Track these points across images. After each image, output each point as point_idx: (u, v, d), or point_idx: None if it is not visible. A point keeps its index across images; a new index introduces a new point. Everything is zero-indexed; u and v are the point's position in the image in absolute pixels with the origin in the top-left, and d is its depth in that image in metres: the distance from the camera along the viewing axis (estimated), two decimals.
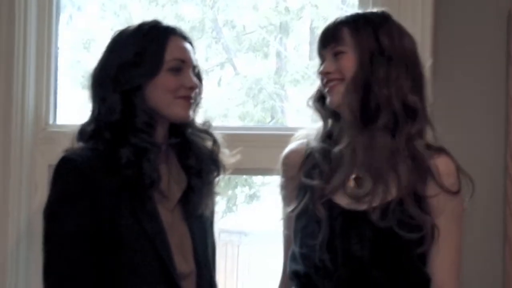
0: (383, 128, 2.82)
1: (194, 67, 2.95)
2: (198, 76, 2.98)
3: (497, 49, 3.54)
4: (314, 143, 2.95)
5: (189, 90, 2.91)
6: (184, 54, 2.94)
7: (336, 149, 2.87)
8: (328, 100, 2.89)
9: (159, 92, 2.89)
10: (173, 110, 2.91)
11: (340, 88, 2.85)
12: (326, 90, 2.89)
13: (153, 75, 2.88)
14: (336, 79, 2.87)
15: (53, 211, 2.89)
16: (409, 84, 2.86)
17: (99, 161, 2.84)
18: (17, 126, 3.68)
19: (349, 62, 2.87)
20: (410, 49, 2.92)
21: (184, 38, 2.97)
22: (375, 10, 3.02)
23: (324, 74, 2.88)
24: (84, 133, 2.93)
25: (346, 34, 2.89)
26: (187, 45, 2.97)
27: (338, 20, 2.94)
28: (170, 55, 2.90)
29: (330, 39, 2.92)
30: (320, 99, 2.95)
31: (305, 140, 2.98)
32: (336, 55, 2.90)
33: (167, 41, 2.93)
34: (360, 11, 3.07)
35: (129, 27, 2.97)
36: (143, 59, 2.91)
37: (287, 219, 2.99)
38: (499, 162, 3.53)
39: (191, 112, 2.95)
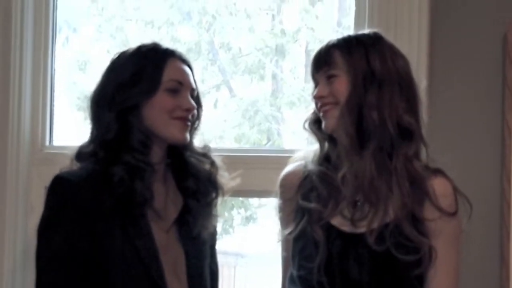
0: (379, 150, 2.83)
1: (192, 90, 2.95)
2: (197, 100, 2.99)
3: (493, 71, 3.55)
4: (311, 166, 2.94)
5: (185, 111, 2.91)
6: (182, 76, 2.94)
7: (339, 175, 2.87)
8: (323, 124, 2.90)
9: (155, 112, 2.89)
10: (170, 131, 2.91)
11: (335, 113, 2.85)
12: (321, 114, 2.91)
13: (150, 95, 2.87)
14: (330, 103, 2.87)
15: (44, 229, 2.89)
16: (403, 105, 2.85)
17: (92, 180, 2.83)
18: (13, 147, 3.69)
19: (342, 86, 2.86)
20: (403, 70, 2.92)
21: (183, 61, 2.98)
22: (367, 31, 3.03)
23: (318, 98, 2.89)
24: (82, 154, 2.93)
25: (338, 57, 2.90)
26: (186, 68, 2.97)
27: (330, 43, 2.95)
28: (167, 76, 2.90)
29: (323, 62, 2.93)
30: (316, 122, 2.95)
31: (302, 162, 2.98)
32: (329, 78, 2.89)
33: (165, 62, 2.93)
34: (352, 33, 3.09)
35: (128, 49, 2.98)
36: (140, 79, 2.91)
37: (285, 241, 2.98)
38: (495, 184, 3.52)
39: (187, 135, 2.95)
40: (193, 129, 3.00)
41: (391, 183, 2.83)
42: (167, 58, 2.95)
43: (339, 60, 2.88)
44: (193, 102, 2.94)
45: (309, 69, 3.00)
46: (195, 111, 2.96)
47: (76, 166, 2.95)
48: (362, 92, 2.86)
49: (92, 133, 2.94)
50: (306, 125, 2.98)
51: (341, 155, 2.90)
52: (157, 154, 2.93)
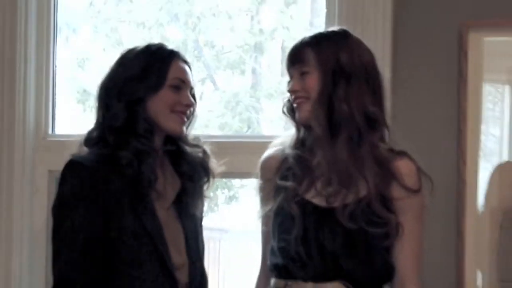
0: (349, 139, 2.80)
1: (191, 88, 2.96)
2: (194, 97, 2.99)
3: (449, 64, 3.53)
4: (288, 150, 2.92)
5: (185, 107, 2.92)
6: (185, 75, 2.95)
7: (314, 162, 2.85)
8: (296, 115, 2.89)
9: (159, 105, 2.89)
10: (169, 123, 2.91)
11: (307, 106, 2.84)
12: (295, 106, 2.90)
13: (156, 90, 2.89)
14: (302, 97, 2.86)
15: (61, 208, 2.86)
16: (369, 97, 2.83)
17: (102, 163, 2.83)
18: (19, 136, 3.69)
19: (313, 82, 2.85)
20: (369, 64, 2.88)
21: (185, 62, 2.98)
22: (336, 28, 3.00)
23: (291, 92, 2.89)
24: (90, 138, 2.92)
25: (309, 55, 2.88)
26: (187, 68, 2.98)
27: (303, 41, 2.93)
28: (172, 74, 2.91)
29: (296, 59, 2.91)
30: (291, 110, 2.95)
31: (280, 147, 2.96)
32: (302, 74, 2.87)
33: (171, 62, 2.94)
34: (322, 30, 3.06)
35: (137, 46, 2.98)
36: (148, 75, 2.92)
37: (265, 217, 2.95)
38: (452, 164, 3.51)
39: (184, 128, 2.96)
40: (188, 122, 3.00)
41: (361, 167, 2.80)
42: (172, 58, 2.95)
43: (310, 57, 2.86)
44: (192, 99, 2.95)
45: (284, 64, 3.00)
46: (192, 109, 3.00)
47: (83, 151, 2.94)
48: (331, 87, 2.84)
49: (98, 119, 2.93)
50: (284, 110, 2.95)
51: (314, 143, 2.90)
52: (157, 142, 2.93)
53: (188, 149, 3.07)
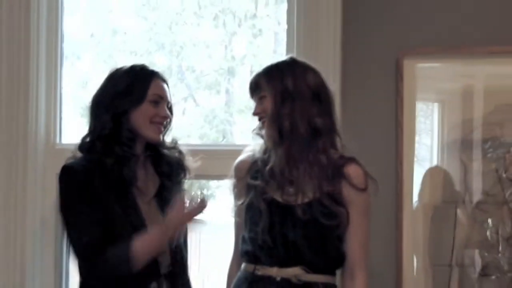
0: (300, 147, 2.96)
1: (168, 103, 3.08)
2: (170, 110, 3.11)
3: (389, 84, 3.62)
4: (257, 155, 3.07)
5: (162, 118, 3.04)
6: (163, 92, 3.06)
7: (267, 167, 2.98)
8: (263, 132, 3.01)
9: (140, 117, 3.01)
10: (149, 132, 3.03)
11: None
12: (260, 125, 3.03)
13: (138, 104, 3.00)
14: (264, 117, 3.02)
15: (68, 204, 2.97)
16: (315, 110, 2.97)
17: (91, 168, 2.95)
18: (32, 144, 3.72)
19: (268, 104, 3.00)
20: (314, 83, 3.02)
21: (164, 80, 3.10)
22: (285, 57, 3.13)
23: (255, 115, 3.05)
24: (82, 144, 3.04)
25: (263, 83, 3.02)
26: (165, 86, 3.09)
27: (258, 74, 3.08)
28: (152, 91, 3.03)
29: (254, 88, 3.07)
30: (261, 128, 3.04)
31: (251, 153, 3.11)
32: (261, 99, 3.02)
33: (151, 81, 3.05)
34: (274, 61, 3.14)
35: (123, 66, 3.10)
36: (132, 91, 3.02)
37: (238, 210, 3.10)
38: (391, 166, 3.62)
39: (161, 136, 3.08)
40: (165, 131, 3.11)
41: (312, 170, 2.96)
42: (152, 77, 3.07)
43: (264, 85, 3.02)
44: (168, 112, 3.08)
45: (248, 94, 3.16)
46: (168, 120, 3.11)
47: (77, 154, 3.05)
48: (279, 107, 2.97)
49: (90, 127, 3.04)
50: (255, 132, 3.08)
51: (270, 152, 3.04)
52: (139, 148, 3.05)
53: (166, 151, 3.16)
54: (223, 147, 3.67)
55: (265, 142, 3.05)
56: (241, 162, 3.13)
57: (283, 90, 2.99)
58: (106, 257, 2.90)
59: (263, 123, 3.02)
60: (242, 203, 3.04)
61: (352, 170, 2.97)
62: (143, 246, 2.93)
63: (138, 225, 2.97)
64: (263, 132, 3.03)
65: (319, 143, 2.97)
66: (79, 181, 2.95)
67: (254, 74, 3.12)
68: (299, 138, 2.95)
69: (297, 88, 2.99)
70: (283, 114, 2.97)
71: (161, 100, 3.04)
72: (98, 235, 2.95)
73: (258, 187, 2.99)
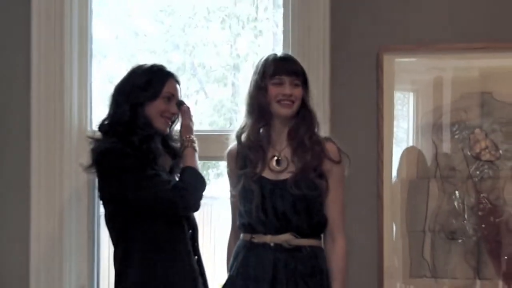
0: (298, 129, 3.02)
1: (177, 100, 3.10)
2: (179, 106, 3.10)
3: (371, 77, 3.63)
4: (242, 143, 3.07)
5: (171, 114, 3.06)
6: (175, 91, 3.07)
7: (273, 150, 3.02)
8: (283, 112, 2.98)
9: (154, 110, 3.03)
10: (158, 124, 3.04)
11: (295, 107, 2.99)
12: (283, 104, 2.97)
13: (154, 99, 3.03)
14: (293, 100, 2.99)
15: (125, 176, 2.94)
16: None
17: (122, 147, 2.96)
18: (68, 131, 3.74)
19: (299, 93, 2.99)
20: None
21: (177, 81, 3.10)
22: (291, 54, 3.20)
23: (290, 96, 2.97)
24: (102, 125, 3.06)
25: (304, 74, 3.02)
26: (178, 86, 3.10)
27: (298, 62, 3.04)
28: (166, 89, 3.05)
29: (297, 73, 3.01)
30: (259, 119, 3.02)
31: (234, 143, 3.12)
32: (296, 85, 2.99)
33: (166, 80, 3.07)
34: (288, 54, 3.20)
35: (145, 64, 3.10)
36: (149, 87, 3.04)
37: (233, 191, 3.13)
38: (374, 149, 3.62)
39: (168, 129, 3.09)
40: (172, 125, 3.12)
41: (301, 150, 3.00)
42: (167, 77, 3.09)
43: (304, 76, 3.02)
44: (176, 108, 3.08)
45: (272, 69, 3.02)
46: (175, 116, 3.11)
47: (97, 134, 3.09)
48: (305, 97, 3.01)
49: (109, 112, 3.07)
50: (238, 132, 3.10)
51: (278, 132, 3.03)
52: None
53: (173, 141, 3.17)
54: (230, 132, 3.55)
55: (257, 128, 3.04)
56: (229, 154, 3.15)
57: (307, 84, 3.04)
58: (187, 186, 2.95)
59: (287, 105, 2.98)
60: (236, 188, 3.07)
61: (329, 147, 3.02)
62: (192, 162, 3.03)
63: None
64: (286, 112, 3.00)
65: (309, 129, 3.04)
66: (120, 159, 2.96)
67: (288, 59, 3.06)
68: (294, 125, 3.03)
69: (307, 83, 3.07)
70: (306, 103, 3.02)
71: (173, 98, 3.07)
72: (170, 181, 2.99)
73: (247, 173, 3.01)
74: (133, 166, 2.95)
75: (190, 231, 3.10)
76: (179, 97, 3.12)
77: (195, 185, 2.99)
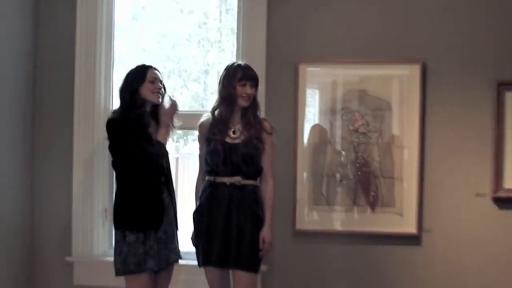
0: (245, 114, 3.07)
1: (160, 81, 3.09)
2: (163, 85, 3.09)
3: (290, 80, 3.67)
4: (215, 117, 3.08)
5: (158, 89, 3.05)
6: (156, 75, 3.07)
7: (234, 121, 3.03)
8: (242, 103, 2.99)
9: (145, 90, 3.04)
10: (152, 99, 3.05)
11: (250, 101, 3.02)
12: (243, 98, 2.99)
13: (142, 82, 3.04)
14: (250, 96, 3.02)
15: (116, 142, 2.97)
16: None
17: (123, 119, 2.98)
18: (97, 109, 3.76)
19: (253, 91, 3.03)
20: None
21: (156, 69, 3.09)
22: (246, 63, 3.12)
23: (249, 94, 3.01)
24: (116, 109, 3.07)
25: (256, 80, 3.05)
26: (158, 73, 3.09)
27: (254, 71, 3.03)
28: (150, 74, 3.06)
29: (255, 79, 3.03)
30: (226, 102, 3.02)
31: (207, 117, 3.12)
32: (252, 86, 3.01)
33: (148, 69, 3.08)
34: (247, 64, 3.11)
35: (137, 66, 3.08)
36: (138, 76, 3.05)
37: (202, 149, 3.15)
38: (292, 124, 3.67)
39: (160, 100, 3.07)
40: (161, 96, 3.07)
41: (249, 125, 3.06)
42: (149, 68, 3.10)
43: (257, 81, 3.05)
44: (161, 85, 3.07)
45: (240, 75, 2.99)
46: (162, 90, 3.08)
47: (113, 112, 3.08)
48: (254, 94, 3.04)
49: (120, 99, 3.06)
50: (211, 111, 3.08)
51: (235, 114, 3.04)
52: (147, 109, 3.06)
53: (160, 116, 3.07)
54: (202, 112, 3.51)
55: (222, 109, 3.03)
56: (202, 124, 3.13)
57: (257, 85, 3.08)
58: (156, 152, 2.95)
59: (246, 100, 3.02)
60: (205, 150, 3.09)
61: (265, 124, 3.13)
62: (162, 138, 3.03)
63: (154, 155, 3.01)
64: (243, 103, 3.01)
65: (253, 112, 3.12)
66: (121, 128, 2.96)
67: (249, 68, 3.04)
68: (247, 109, 3.09)
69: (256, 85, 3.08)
70: (254, 98, 3.07)
71: (155, 80, 3.06)
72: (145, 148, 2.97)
73: (216, 139, 3.05)
74: (128, 132, 2.93)
75: (163, 177, 3.06)
76: (161, 79, 3.09)
77: (158, 151, 3.00)
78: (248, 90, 3.01)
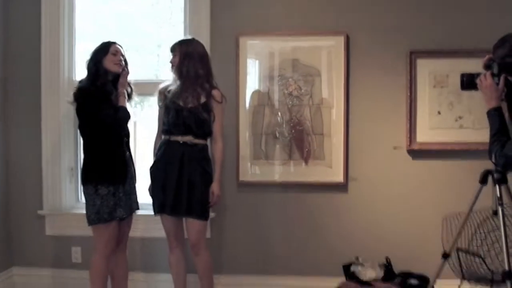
0: (190, 82, 3.18)
1: (122, 55, 3.24)
2: (124, 58, 3.24)
3: (231, 51, 3.83)
4: (171, 83, 3.28)
5: (118, 61, 3.19)
6: (118, 49, 3.23)
7: (176, 90, 3.18)
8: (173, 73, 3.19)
9: (108, 61, 3.19)
10: (113, 68, 3.19)
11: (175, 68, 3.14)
12: (172, 69, 3.20)
13: (105, 54, 3.19)
14: (174, 65, 3.18)
15: (82, 107, 3.12)
16: (199, 65, 3.21)
17: (91, 86, 3.13)
18: (61, 80, 3.88)
19: (177, 59, 3.19)
20: (200, 51, 3.24)
21: (120, 45, 3.24)
22: (189, 37, 3.34)
23: (171, 63, 3.23)
24: (83, 79, 3.20)
25: (177, 47, 3.22)
26: (119, 47, 3.24)
27: (176, 42, 3.22)
28: (112, 48, 3.22)
29: (172, 49, 3.23)
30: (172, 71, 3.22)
31: (168, 83, 3.31)
32: (174, 56, 3.15)
33: (112, 44, 3.25)
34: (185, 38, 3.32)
35: (103, 42, 3.24)
36: (102, 49, 3.22)
37: (160, 109, 3.34)
38: (234, 90, 3.82)
39: (120, 69, 3.18)
40: (122, 67, 3.18)
41: (199, 91, 3.21)
42: (111, 43, 3.26)
43: (177, 48, 3.23)
44: (121, 58, 3.21)
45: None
46: (122, 62, 3.22)
47: (82, 81, 3.17)
48: (182, 61, 3.15)
49: (87, 70, 3.20)
50: (172, 71, 3.23)
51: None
52: (109, 78, 3.19)
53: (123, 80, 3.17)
54: (156, 81, 3.74)
55: (174, 79, 3.26)
56: (162, 87, 3.34)
57: (185, 53, 3.22)
58: (121, 116, 3.11)
59: (173, 68, 3.24)
60: (162, 107, 3.30)
61: (215, 92, 3.28)
62: (123, 103, 3.19)
63: (123, 116, 3.18)
64: (173, 73, 3.26)
65: (200, 80, 3.25)
66: (88, 94, 3.10)
67: (174, 42, 3.29)
68: (190, 78, 3.22)
69: (190, 53, 3.22)
70: (183, 65, 3.21)
71: (117, 53, 3.22)
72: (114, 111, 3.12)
73: (171, 100, 3.22)
74: (96, 100, 3.06)
75: (126, 138, 3.24)
76: (123, 54, 3.25)
77: (124, 116, 3.17)
78: (172, 60, 3.20)
